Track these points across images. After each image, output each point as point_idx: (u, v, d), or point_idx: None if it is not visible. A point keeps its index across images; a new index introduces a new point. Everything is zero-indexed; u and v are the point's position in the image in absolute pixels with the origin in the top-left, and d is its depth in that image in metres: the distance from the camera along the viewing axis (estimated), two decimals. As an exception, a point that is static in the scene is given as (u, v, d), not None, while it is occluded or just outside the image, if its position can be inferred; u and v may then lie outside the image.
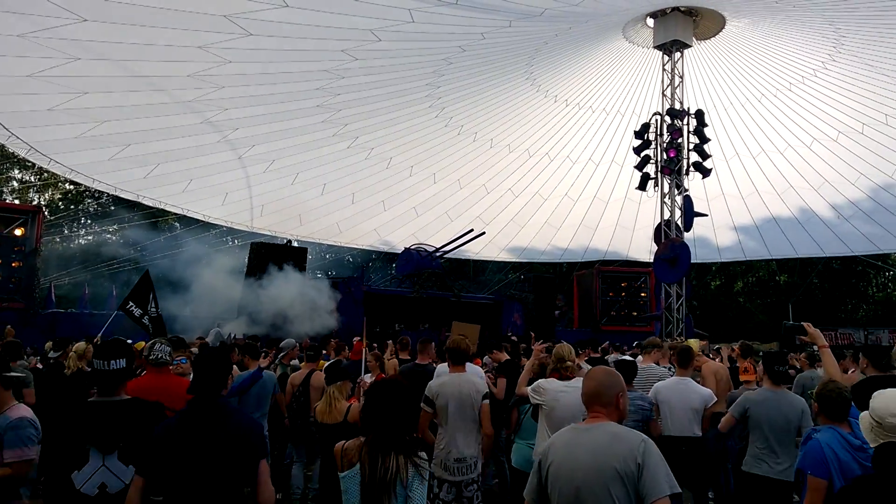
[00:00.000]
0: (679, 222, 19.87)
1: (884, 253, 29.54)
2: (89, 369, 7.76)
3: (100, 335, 10.34)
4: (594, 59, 20.79)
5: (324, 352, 10.59)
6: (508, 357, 9.01)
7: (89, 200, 40.09)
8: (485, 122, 22.54)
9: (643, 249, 27.87)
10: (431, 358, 7.81)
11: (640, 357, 9.23)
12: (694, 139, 19.57)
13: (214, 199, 22.33)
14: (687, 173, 19.80)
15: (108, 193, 27.70)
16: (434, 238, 24.99)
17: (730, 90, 22.11)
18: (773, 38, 19.27)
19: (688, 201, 19.76)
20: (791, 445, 5.67)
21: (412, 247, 23.69)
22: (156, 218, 30.13)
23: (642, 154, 20.06)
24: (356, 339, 10.65)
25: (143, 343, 8.36)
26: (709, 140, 19.76)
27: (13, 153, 21.10)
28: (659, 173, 19.97)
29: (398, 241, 26.97)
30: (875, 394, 3.30)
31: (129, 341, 5.91)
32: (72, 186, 38.21)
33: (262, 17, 13.66)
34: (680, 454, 6.47)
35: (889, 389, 3.32)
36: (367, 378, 8.12)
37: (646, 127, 20.18)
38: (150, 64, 15.00)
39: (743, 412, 5.92)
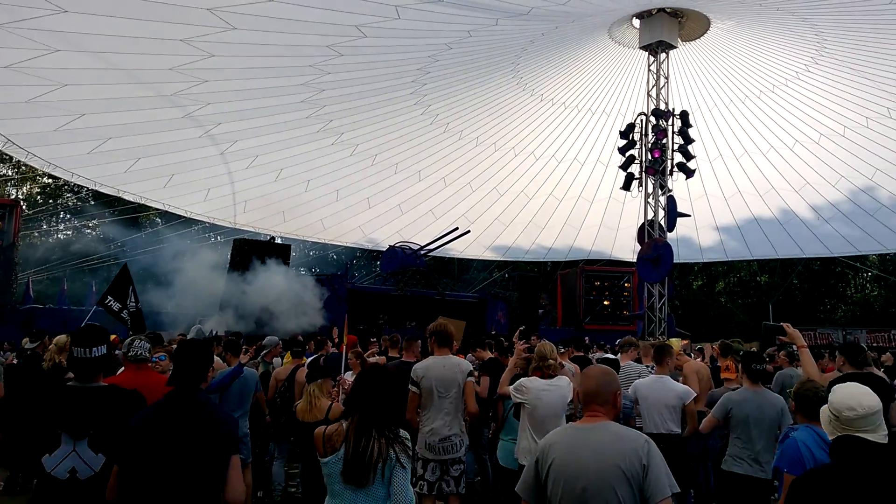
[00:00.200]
0: (662, 222, 19.91)
1: (862, 254, 29.77)
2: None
3: (79, 331, 10.23)
4: (580, 59, 20.81)
5: (307, 348, 10.56)
6: (492, 355, 9.00)
7: (68, 195, 39.73)
8: (470, 121, 22.51)
9: (627, 249, 27.93)
10: (416, 356, 7.78)
11: (618, 355, 9.29)
12: (678, 140, 19.62)
13: (197, 194, 22.16)
14: (671, 174, 19.85)
15: (87, 188, 27.48)
16: (419, 236, 24.93)
17: (714, 92, 22.20)
18: (757, 41, 19.36)
19: (671, 202, 19.81)
20: (771, 444, 5.69)
21: (397, 244, 23.62)
22: (137, 213, 29.89)
23: (627, 154, 20.10)
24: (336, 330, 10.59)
25: (116, 336, 8.28)
26: (693, 141, 19.83)
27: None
28: (643, 173, 20.02)
29: (383, 238, 26.89)
30: (834, 388, 3.35)
31: (115, 336, 5.85)
32: (50, 180, 37.86)
33: (246, 11, 13.54)
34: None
35: (848, 383, 3.37)
36: (349, 376, 8.08)
37: (631, 127, 20.20)
38: (132, 56, 14.81)
39: (725, 413, 5.94)
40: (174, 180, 20.85)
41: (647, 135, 19.83)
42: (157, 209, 25.35)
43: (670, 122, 19.55)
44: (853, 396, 3.14)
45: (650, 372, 7.55)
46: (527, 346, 6.98)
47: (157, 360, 6.11)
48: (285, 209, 24.07)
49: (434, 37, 16.54)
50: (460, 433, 6.05)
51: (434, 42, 16.90)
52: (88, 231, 38.81)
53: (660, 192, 19.97)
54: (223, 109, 17.88)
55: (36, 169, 23.26)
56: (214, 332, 14.40)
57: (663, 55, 19.87)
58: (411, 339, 7.96)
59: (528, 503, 3.33)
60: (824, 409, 3.30)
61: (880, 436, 3.06)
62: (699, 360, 10.66)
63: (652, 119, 19.60)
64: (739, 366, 6.87)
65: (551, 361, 6.07)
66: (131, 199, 22.54)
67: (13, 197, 35.93)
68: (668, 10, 18.75)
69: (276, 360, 10.42)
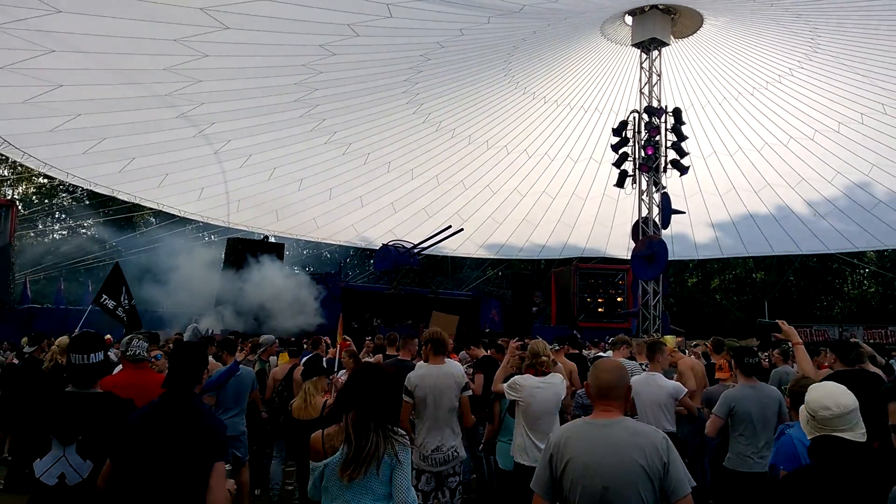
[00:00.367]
0: (657, 219, 19.94)
1: (859, 250, 29.85)
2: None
3: (77, 330, 10.27)
4: (572, 57, 20.81)
5: (305, 346, 10.60)
6: (486, 353, 9.04)
7: (64, 195, 39.68)
8: (463, 119, 22.51)
9: (621, 246, 27.98)
10: (412, 355, 7.80)
11: (610, 353, 9.32)
12: (672, 137, 19.64)
13: (190, 194, 22.15)
14: (665, 171, 19.87)
15: (82, 188, 27.45)
16: (412, 234, 24.94)
17: (707, 88, 22.23)
18: (751, 37, 19.38)
19: (665, 199, 19.84)
20: (772, 438, 5.68)
21: (390, 243, 23.65)
22: (131, 213, 29.87)
23: (620, 151, 20.10)
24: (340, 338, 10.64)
25: (110, 337, 8.30)
26: (686, 138, 19.85)
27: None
28: (637, 171, 20.03)
29: (376, 237, 26.91)
30: (810, 387, 3.34)
31: (108, 336, 5.87)
32: (46, 181, 37.80)
33: (239, 11, 13.54)
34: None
35: (824, 382, 3.37)
36: (342, 375, 8.10)
37: (624, 124, 20.22)
38: (126, 57, 14.81)
39: (728, 411, 5.86)
40: (168, 180, 20.84)
41: (640, 132, 19.84)
42: (152, 209, 25.33)
43: (663, 119, 19.57)
44: (829, 396, 3.13)
45: (643, 369, 7.57)
46: (519, 343, 7.00)
47: (154, 359, 6.14)
48: (278, 208, 24.10)
49: (426, 35, 16.55)
50: (455, 444, 5.96)
51: (426, 40, 16.90)
52: (84, 231, 38.77)
53: (654, 188, 19.99)
54: (217, 109, 17.88)
55: (32, 169, 23.22)
56: (210, 332, 14.43)
57: (656, 52, 19.88)
58: (408, 338, 7.97)
59: (544, 499, 3.24)
60: (802, 408, 3.28)
61: (858, 434, 3.05)
62: (693, 357, 10.68)
63: (645, 116, 19.60)
64: (732, 363, 6.90)
65: (544, 359, 6.08)
66: (126, 199, 22.52)
67: (9, 197, 35.87)
68: (660, 7, 18.75)
69: (272, 359, 10.45)
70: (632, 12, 19.14)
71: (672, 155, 19.65)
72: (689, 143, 20.52)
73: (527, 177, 26.27)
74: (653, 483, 3.06)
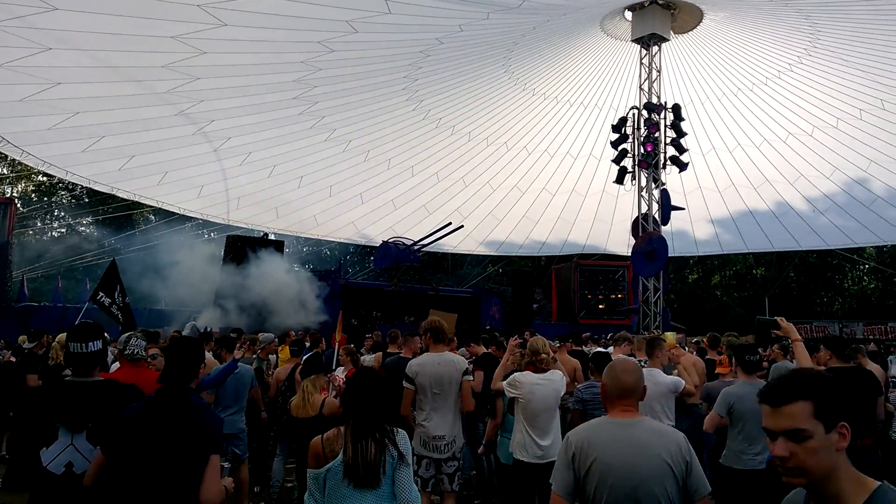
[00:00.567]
0: (656, 216, 19.92)
1: (858, 246, 29.85)
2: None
3: (74, 328, 10.27)
4: (572, 53, 20.79)
5: (307, 344, 10.60)
6: (486, 350, 9.04)
7: (63, 192, 39.69)
8: (463, 115, 22.49)
9: (621, 243, 27.99)
10: (415, 352, 7.80)
11: (611, 349, 9.32)
12: (671, 133, 19.61)
13: (190, 191, 22.13)
14: (664, 167, 19.85)
15: (82, 185, 27.43)
16: (412, 231, 24.93)
17: (707, 84, 22.21)
18: (750, 33, 19.36)
19: (665, 195, 19.82)
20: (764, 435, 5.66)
21: (390, 240, 23.63)
22: (131, 211, 29.86)
23: (619, 148, 20.08)
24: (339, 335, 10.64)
25: (106, 335, 8.29)
26: (686, 134, 19.83)
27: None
28: (636, 167, 20.01)
29: (376, 234, 26.88)
30: None
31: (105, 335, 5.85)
32: (45, 178, 37.81)
33: (238, 7, 13.50)
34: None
35: None
36: (339, 373, 8.09)
37: (623, 121, 20.20)
38: (124, 54, 14.78)
39: (728, 409, 5.83)
40: (168, 177, 20.81)
41: (639, 128, 19.82)
42: (151, 206, 25.33)
43: (663, 115, 19.55)
44: None
45: (643, 366, 7.55)
46: (519, 341, 7.00)
47: (151, 358, 6.13)
48: (278, 205, 24.09)
49: (425, 31, 16.52)
50: (455, 431, 6.01)
51: (425, 37, 16.87)
52: (83, 229, 38.77)
53: (653, 185, 19.97)
54: (216, 107, 17.85)
55: (30, 167, 23.20)
56: (209, 329, 14.41)
57: (655, 48, 19.85)
58: (409, 335, 7.97)
59: (564, 499, 3.19)
60: None
61: None
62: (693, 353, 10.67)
63: (644, 113, 19.58)
64: (733, 359, 6.89)
65: (544, 356, 6.09)
66: (125, 197, 22.50)
67: (8, 195, 35.88)
68: (660, 2, 18.71)
69: (271, 357, 10.45)
70: (631, 8, 19.10)
71: (671, 151, 19.63)
72: (689, 140, 20.52)
73: (527, 173, 26.26)
74: (678, 482, 3.09)
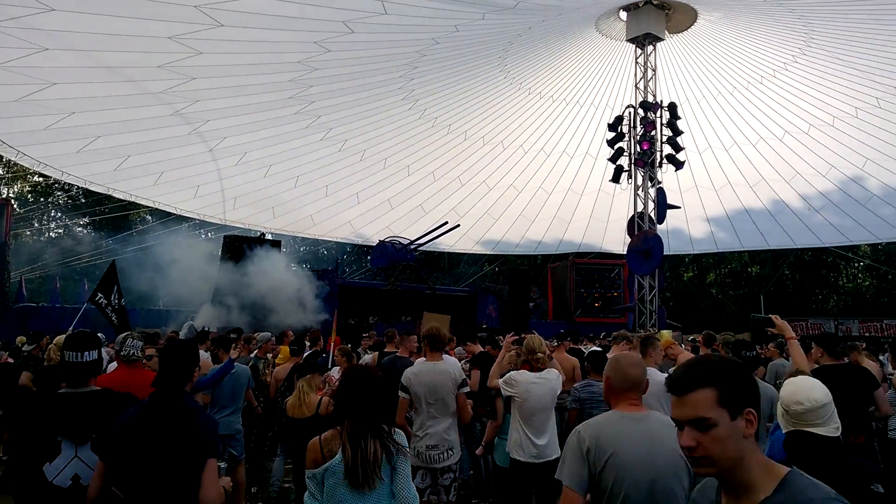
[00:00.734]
0: (652, 214, 19.95)
1: (853, 244, 29.89)
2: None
3: (71, 329, 10.28)
4: (567, 52, 20.81)
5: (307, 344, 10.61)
6: (482, 349, 9.05)
7: (59, 193, 39.62)
8: (458, 115, 22.50)
9: (617, 241, 28.01)
10: (411, 351, 7.80)
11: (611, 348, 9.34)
12: (667, 132, 19.64)
13: (186, 191, 22.09)
14: (660, 165, 19.88)
15: (78, 186, 27.39)
16: (408, 231, 24.94)
17: (702, 83, 22.24)
18: (745, 32, 19.39)
19: (661, 193, 19.84)
20: (763, 434, 5.71)
21: (387, 239, 23.65)
22: (127, 211, 29.83)
23: (616, 146, 20.11)
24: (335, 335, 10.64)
25: (102, 335, 8.30)
26: (682, 132, 19.86)
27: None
28: (632, 166, 20.05)
29: (372, 233, 26.88)
30: (785, 382, 3.38)
31: (101, 335, 5.86)
32: (41, 179, 37.75)
33: (233, 8, 13.50)
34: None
35: (799, 378, 3.42)
36: (335, 373, 8.10)
37: (619, 119, 20.22)
38: (120, 54, 14.76)
39: None
40: (164, 178, 20.78)
41: (635, 127, 19.86)
42: (147, 206, 25.29)
43: (658, 114, 19.58)
44: (801, 391, 3.15)
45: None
46: (515, 338, 7.00)
47: (146, 359, 6.13)
48: (275, 205, 24.07)
49: (421, 31, 16.53)
50: (450, 443, 5.91)
51: (421, 37, 16.88)
52: (80, 229, 38.70)
53: (649, 184, 20.01)
54: (211, 107, 17.83)
55: (26, 168, 23.16)
56: (206, 328, 14.41)
57: (650, 47, 19.89)
58: (406, 335, 7.97)
59: (577, 494, 3.13)
60: (778, 403, 3.32)
61: (830, 429, 3.08)
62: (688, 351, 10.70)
63: (640, 111, 19.62)
64: (730, 356, 6.90)
65: (540, 354, 6.08)
66: (121, 197, 22.47)
67: (4, 196, 35.81)
68: (655, 2, 18.76)
69: (268, 356, 10.45)
70: (626, 8, 19.14)
71: (667, 150, 19.66)
72: (685, 138, 20.55)
73: (523, 172, 26.27)
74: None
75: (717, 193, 26.33)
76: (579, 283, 29.21)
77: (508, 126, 23.90)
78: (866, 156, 22.56)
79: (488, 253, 32.62)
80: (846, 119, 21.44)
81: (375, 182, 24.80)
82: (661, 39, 19.61)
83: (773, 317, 5.93)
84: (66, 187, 37.19)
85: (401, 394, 5.92)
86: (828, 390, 3.15)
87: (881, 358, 10.85)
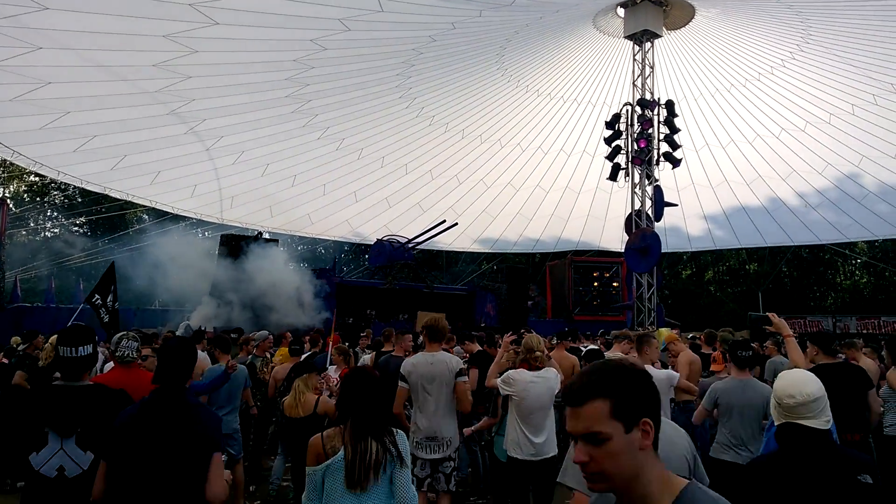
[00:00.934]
0: (650, 212, 19.93)
1: (850, 241, 29.91)
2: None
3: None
4: (565, 49, 20.79)
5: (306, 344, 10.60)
6: (480, 348, 9.03)
7: (55, 192, 39.54)
8: (456, 113, 22.47)
9: (615, 239, 28.00)
10: (406, 350, 7.78)
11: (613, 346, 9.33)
12: (664, 129, 19.64)
13: (183, 191, 22.06)
14: (657, 163, 19.87)
15: (74, 186, 27.34)
16: (406, 229, 24.93)
17: (699, 81, 22.22)
18: (742, 29, 19.38)
19: (658, 191, 19.83)
20: (757, 432, 5.70)
21: (384, 238, 23.62)
22: (124, 210, 29.78)
23: (613, 144, 20.09)
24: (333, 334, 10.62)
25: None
26: (679, 130, 19.84)
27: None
28: (630, 164, 20.03)
29: (370, 232, 26.86)
30: (779, 375, 3.39)
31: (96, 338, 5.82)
32: (37, 178, 37.68)
33: (229, 6, 13.46)
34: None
35: (792, 371, 3.43)
36: (332, 372, 8.08)
37: (616, 117, 20.20)
38: (115, 53, 14.72)
39: (714, 402, 5.93)
40: (160, 177, 20.74)
41: (632, 125, 19.84)
42: (144, 206, 25.25)
43: (656, 111, 19.57)
44: (794, 384, 3.18)
45: (636, 362, 7.57)
46: (513, 337, 6.98)
47: (141, 359, 6.08)
48: (272, 204, 24.03)
49: (418, 29, 16.50)
50: (449, 432, 5.94)
51: (418, 34, 16.85)
52: (76, 229, 38.65)
53: (646, 181, 19.99)
54: (208, 105, 17.79)
55: (22, 167, 23.10)
56: (203, 328, 14.38)
57: (648, 44, 19.86)
58: (401, 334, 7.96)
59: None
60: (771, 396, 3.34)
61: (821, 422, 3.10)
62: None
63: (637, 109, 19.61)
64: (727, 355, 6.90)
65: (538, 353, 6.06)
66: (118, 197, 22.42)
67: (0, 196, 35.72)
68: (652, -1, 18.77)
69: (266, 354, 10.43)
70: (624, 4, 19.13)
71: (665, 147, 19.65)
72: (682, 136, 20.51)
73: (520, 171, 26.26)
74: (691, 475, 3.08)
75: (715, 191, 26.33)
76: (577, 281, 29.16)
77: (506, 124, 23.88)
78: (863, 153, 22.56)
79: (486, 251, 32.62)
80: (843, 116, 21.44)
81: (373, 181, 24.77)
82: (659, 36, 19.58)
83: (770, 315, 5.94)
84: (63, 187, 37.12)
85: (400, 383, 5.97)
86: (821, 384, 3.17)
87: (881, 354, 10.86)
